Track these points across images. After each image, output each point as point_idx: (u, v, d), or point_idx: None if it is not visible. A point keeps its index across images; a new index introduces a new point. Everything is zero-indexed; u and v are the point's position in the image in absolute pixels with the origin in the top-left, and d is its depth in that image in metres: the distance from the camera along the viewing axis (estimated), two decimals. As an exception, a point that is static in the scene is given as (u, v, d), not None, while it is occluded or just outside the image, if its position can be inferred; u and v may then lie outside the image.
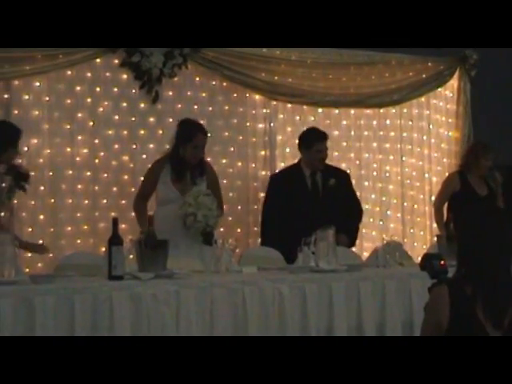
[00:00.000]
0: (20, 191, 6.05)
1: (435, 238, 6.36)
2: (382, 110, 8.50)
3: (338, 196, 6.79)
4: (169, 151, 6.49)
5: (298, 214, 6.60)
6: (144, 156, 7.18)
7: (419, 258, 5.17)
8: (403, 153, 8.51)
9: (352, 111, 8.36)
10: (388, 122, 8.56)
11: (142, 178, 6.64)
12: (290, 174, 7.01)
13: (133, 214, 6.67)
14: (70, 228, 6.94)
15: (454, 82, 8.83)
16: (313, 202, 6.71)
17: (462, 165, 7.74)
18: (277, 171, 7.48)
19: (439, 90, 8.79)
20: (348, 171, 7.99)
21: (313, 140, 6.90)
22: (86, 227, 6.95)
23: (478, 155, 7.58)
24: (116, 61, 7.14)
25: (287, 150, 7.99)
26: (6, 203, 5.89)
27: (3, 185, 5.90)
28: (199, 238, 6.38)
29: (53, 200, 6.88)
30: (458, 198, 7.51)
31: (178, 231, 6.24)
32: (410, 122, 8.58)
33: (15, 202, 6.59)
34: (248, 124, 7.79)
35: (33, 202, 6.81)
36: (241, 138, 7.71)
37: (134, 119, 7.22)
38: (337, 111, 8.27)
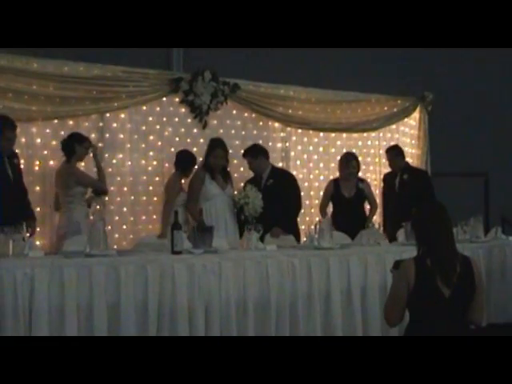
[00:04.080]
0: None
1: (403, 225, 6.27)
2: (365, 134, 8.48)
3: (275, 193, 6.39)
4: (203, 162, 6.54)
5: None
6: (196, 167, 7.18)
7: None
8: (380, 165, 8.47)
9: (344, 135, 8.34)
10: (369, 142, 8.54)
11: (190, 188, 6.48)
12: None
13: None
14: (144, 217, 6.95)
15: (416, 115, 8.80)
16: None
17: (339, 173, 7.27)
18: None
19: (406, 120, 8.76)
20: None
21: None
22: (154, 217, 6.95)
23: (341, 165, 7.16)
24: (177, 99, 7.15)
25: (298, 162, 7.99)
26: None
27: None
28: (236, 224, 6.38)
29: (132, 197, 6.89)
30: (332, 199, 7.13)
31: (221, 218, 6.28)
32: (385, 143, 8.53)
33: (106, 198, 6.65)
34: (270, 144, 7.74)
35: (118, 199, 6.84)
36: (265, 153, 7.71)
37: (189, 140, 7.21)
38: (333, 135, 8.26)
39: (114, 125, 6.84)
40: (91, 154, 6.16)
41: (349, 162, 7.07)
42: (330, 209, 7.26)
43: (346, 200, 7.00)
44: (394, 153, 7.36)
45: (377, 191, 8.11)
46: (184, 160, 6.55)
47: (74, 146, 5.93)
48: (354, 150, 8.29)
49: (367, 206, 7.35)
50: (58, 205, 6.05)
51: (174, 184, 6.44)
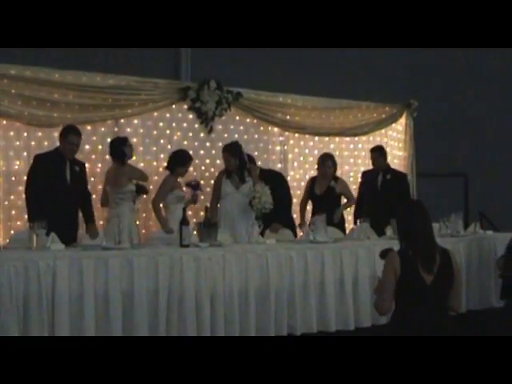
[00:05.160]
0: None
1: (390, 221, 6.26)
2: (356, 138, 8.47)
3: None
4: None
5: None
6: (203, 168, 7.21)
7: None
8: (370, 166, 8.45)
9: (337, 139, 8.32)
10: (360, 145, 8.53)
11: (213, 189, 6.57)
12: None
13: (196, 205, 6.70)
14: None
15: (402, 120, 8.78)
16: None
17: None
18: None
19: (393, 125, 8.74)
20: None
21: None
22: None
23: (318, 164, 7.04)
24: (185, 106, 7.13)
25: (295, 164, 8.00)
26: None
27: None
28: (247, 221, 6.24)
29: (144, 195, 6.88)
30: (308, 196, 7.06)
31: (230, 215, 6.25)
32: (374, 146, 8.55)
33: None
34: (270, 147, 7.76)
35: (132, 197, 6.84)
36: (265, 156, 7.69)
37: (196, 144, 7.20)
38: (327, 138, 8.24)
39: (128, 130, 6.83)
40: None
41: (324, 161, 6.97)
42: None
43: (317, 197, 6.97)
44: (378, 153, 7.32)
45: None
46: (170, 161, 6.37)
47: (122, 149, 5.95)
48: (346, 153, 8.34)
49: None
50: (106, 201, 6.07)
51: (163, 183, 6.34)
